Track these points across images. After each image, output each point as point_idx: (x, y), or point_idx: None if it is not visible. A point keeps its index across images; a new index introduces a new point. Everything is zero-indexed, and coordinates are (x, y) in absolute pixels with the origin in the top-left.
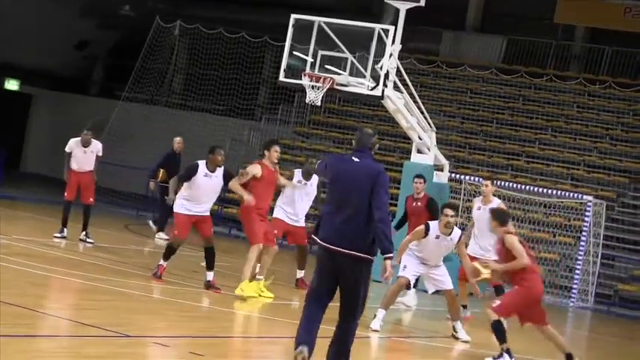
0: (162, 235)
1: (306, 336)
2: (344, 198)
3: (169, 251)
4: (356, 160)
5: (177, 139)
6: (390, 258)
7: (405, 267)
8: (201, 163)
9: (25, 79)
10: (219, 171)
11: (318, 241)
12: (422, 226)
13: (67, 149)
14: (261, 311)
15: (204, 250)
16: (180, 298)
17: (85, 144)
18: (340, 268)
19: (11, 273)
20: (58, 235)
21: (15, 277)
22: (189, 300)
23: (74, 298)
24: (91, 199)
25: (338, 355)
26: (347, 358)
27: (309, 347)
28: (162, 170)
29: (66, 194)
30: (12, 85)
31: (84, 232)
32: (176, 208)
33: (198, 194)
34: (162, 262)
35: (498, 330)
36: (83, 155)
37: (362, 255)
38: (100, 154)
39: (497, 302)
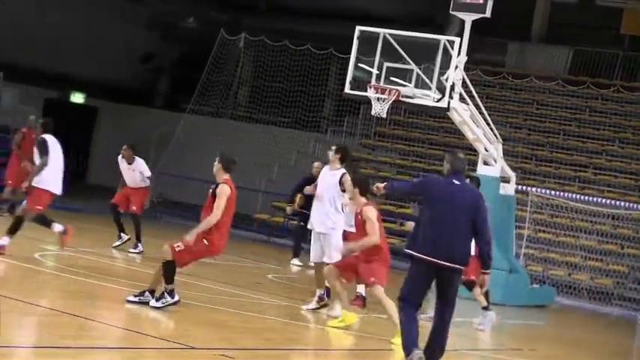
0: (296, 261)
1: (415, 339)
2: (447, 217)
3: None
4: (456, 182)
5: (316, 164)
6: (489, 273)
7: None
8: None
9: (90, 92)
10: None
11: (417, 254)
12: None
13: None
14: (324, 322)
15: None
16: (245, 309)
17: (128, 160)
18: (440, 278)
19: (75, 285)
20: (135, 250)
21: (79, 289)
22: (254, 311)
23: (140, 310)
24: (134, 208)
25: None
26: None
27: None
28: (299, 195)
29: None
30: (77, 98)
31: (137, 241)
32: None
33: None
34: None
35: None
36: (127, 171)
37: (461, 267)
38: (147, 173)
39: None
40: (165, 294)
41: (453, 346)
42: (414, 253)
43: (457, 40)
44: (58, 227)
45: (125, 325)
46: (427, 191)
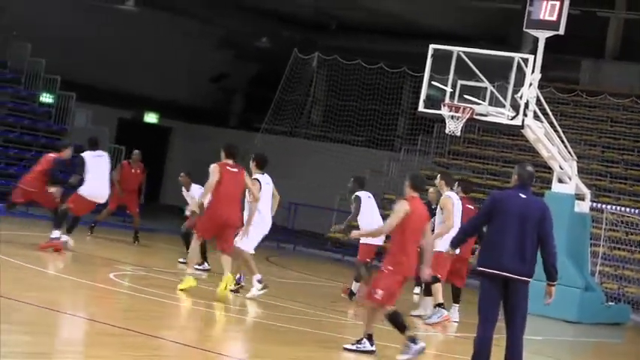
0: (416, 290)
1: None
2: (516, 231)
3: None
4: (523, 196)
5: (432, 189)
6: (554, 285)
7: None
8: None
9: (163, 112)
10: None
11: (488, 270)
12: None
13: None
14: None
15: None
16: (321, 328)
17: (185, 186)
18: (512, 291)
19: (149, 305)
20: (200, 267)
21: (151, 308)
22: (329, 330)
23: (213, 330)
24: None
25: None
26: None
27: None
28: None
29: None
30: (151, 118)
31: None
32: None
33: None
34: None
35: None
36: (187, 197)
37: (530, 279)
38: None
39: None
40: (365, 340)
41: None
42: (485, 269)
43: (531, 57)
44: (62, 236)
45: (203, 345)
46: (495, 208)
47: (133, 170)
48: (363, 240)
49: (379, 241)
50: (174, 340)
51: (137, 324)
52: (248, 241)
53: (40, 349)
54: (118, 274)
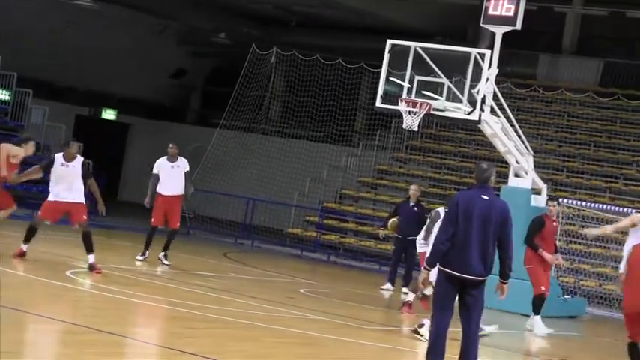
0: (388, 285)
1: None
2: (477, 233)
3: None
4: (485, 197)
5: (414, 186)
6: (507, 283)
7: None
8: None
9: (121, 109)
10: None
11: (447, 270)
12: None
13: (154, 170)
14: (356, 336)
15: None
16: (279, 323)
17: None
18: (470, 288)
19: (107, 301)
20: (140, 257)
21: (111, 305)
22: (287, 326)
23: (172, 326)
24: (178, 225)
25: None
26: None
27: None
28: (392, 219)
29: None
30: (109, 114)
31: (163, 253)
32: None
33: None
34: None
35: None
36: (170, 171)
37: (485, 279)
38: (187, 169)
39: None
40: None
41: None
42: (443, 268)
43: (488, 52)
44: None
45: (159, 342)
46: (459, 211)
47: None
48: (422, 249)
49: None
50: (134, 337)
51: (96, 321)
52: None
53: None
54: (74, 271)
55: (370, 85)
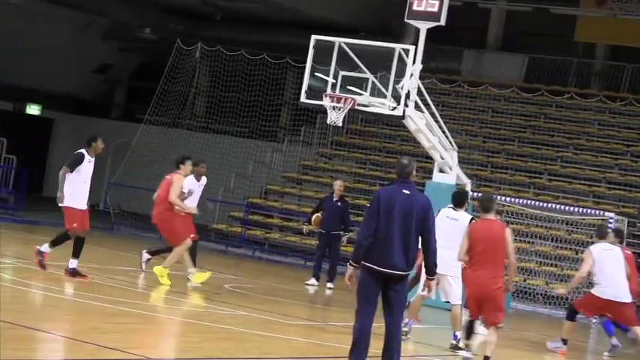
0: (312, 281)
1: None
2: (398, 227)
3: None
4: (406, 192)
5: (338, 182)
6: (433, 279)
7: None
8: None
9: (46, 104)
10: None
11: (369, 264)
12: None
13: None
14: (280, 332)
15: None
16: (204, 319)
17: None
18: (393, 283)
19: (31, 297)
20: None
21: (37, 301)
22: (212, 322)
23: (95, 321)
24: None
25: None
26: None
27: None
28: (315, 215)
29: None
30: (33, 109)
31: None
32: None
33: None
34: None
35: None
36: (197, 190)
37: (408, 273)
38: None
39: None
40: None
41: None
42: (366, 263)
43: (412, 48)
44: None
45: (81, 337)
46: (381, 206)
47: None
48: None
49: None
50: (54, 332)
51: (20, 317)
52: None
53: None
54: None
55: (295, 80)
